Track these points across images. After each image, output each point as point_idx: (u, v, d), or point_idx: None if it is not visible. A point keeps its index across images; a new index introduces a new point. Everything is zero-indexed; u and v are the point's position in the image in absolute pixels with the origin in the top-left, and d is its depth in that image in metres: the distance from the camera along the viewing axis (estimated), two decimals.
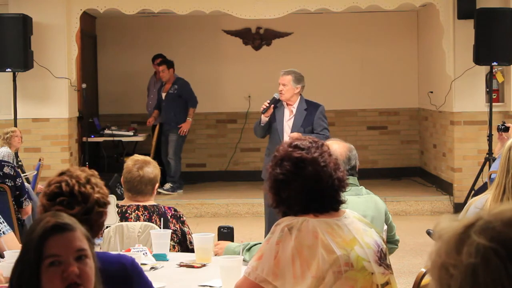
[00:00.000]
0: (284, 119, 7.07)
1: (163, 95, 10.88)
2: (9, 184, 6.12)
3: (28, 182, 7.96)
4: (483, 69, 9.78)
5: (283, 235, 2.75)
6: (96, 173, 2.85)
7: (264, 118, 7.06)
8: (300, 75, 7.10)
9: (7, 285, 2.28)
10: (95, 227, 2.71)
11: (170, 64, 10.83)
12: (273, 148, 7.13)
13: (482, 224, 1.29)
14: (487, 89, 9.80)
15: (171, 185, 10.81)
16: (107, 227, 4.16)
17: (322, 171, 2.83)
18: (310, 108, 7.04)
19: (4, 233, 3.81)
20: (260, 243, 3.37)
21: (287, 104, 7.09)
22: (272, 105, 7.05)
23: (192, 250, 4.13)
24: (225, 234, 4.10)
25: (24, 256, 2.17)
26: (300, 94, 7.13)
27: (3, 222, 3.86)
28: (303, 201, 2.82)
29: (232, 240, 4.06)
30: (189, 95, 10.86)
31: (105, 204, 2.77)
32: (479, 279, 1.26)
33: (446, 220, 1.36)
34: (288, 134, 6.94)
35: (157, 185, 4.44)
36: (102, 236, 4.15)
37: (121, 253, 3.29)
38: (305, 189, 2.82)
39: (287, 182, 2.83)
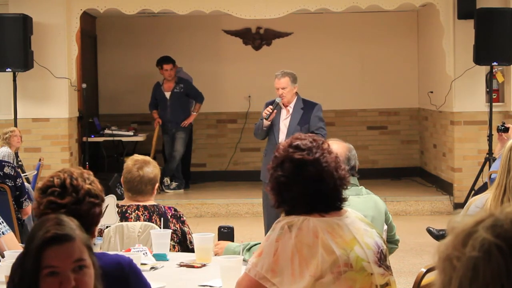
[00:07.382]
0: (280, 119, 7.07)
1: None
2: (9, 184, 6.11)
3: (28, 182, 7.96)
4: (483, 69, 9.77)
5: (283, 233, 2.74)
6: (91, 173, 2.86)
7: (267, 123, 7.05)
8: (294, 74, 7.10)
9: None
10: (88, 219, 2.69)
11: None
12: (270, 148, 7.15)
13: (491, 221, 1.30)
14: (487, 89, 9.79)
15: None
16: (107, 227, 4.16)
17: (324, 172, 2.80)
18: (307, 107, 7.05)
19: (3, 233, 3.81)
20: (260, 243, 3.37)
21: (284, 105, 7.09)
22: (275, 110, 7.05)
23: (192, 250, 4.13)
24: (225, 234, 4.10)
25: (23, 262, 2.18)
26: (297, 93, 7.13)
27: (3, 222, 3.86)
28: (306, 202, 2.80)
29: (232, 240, 4.06)
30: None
31: (97, 195, 2.76)
32: (479, 274, 1.26)
33: (459, 216, 1.36)
34: (284, 134, 6.95)
35: (157, 185, 4.45)
36: (102, 236, 4.15)
37: (119, 253, 3.28)
38: (307, 190, 2.81)
39: (289, 184, 2.80)
